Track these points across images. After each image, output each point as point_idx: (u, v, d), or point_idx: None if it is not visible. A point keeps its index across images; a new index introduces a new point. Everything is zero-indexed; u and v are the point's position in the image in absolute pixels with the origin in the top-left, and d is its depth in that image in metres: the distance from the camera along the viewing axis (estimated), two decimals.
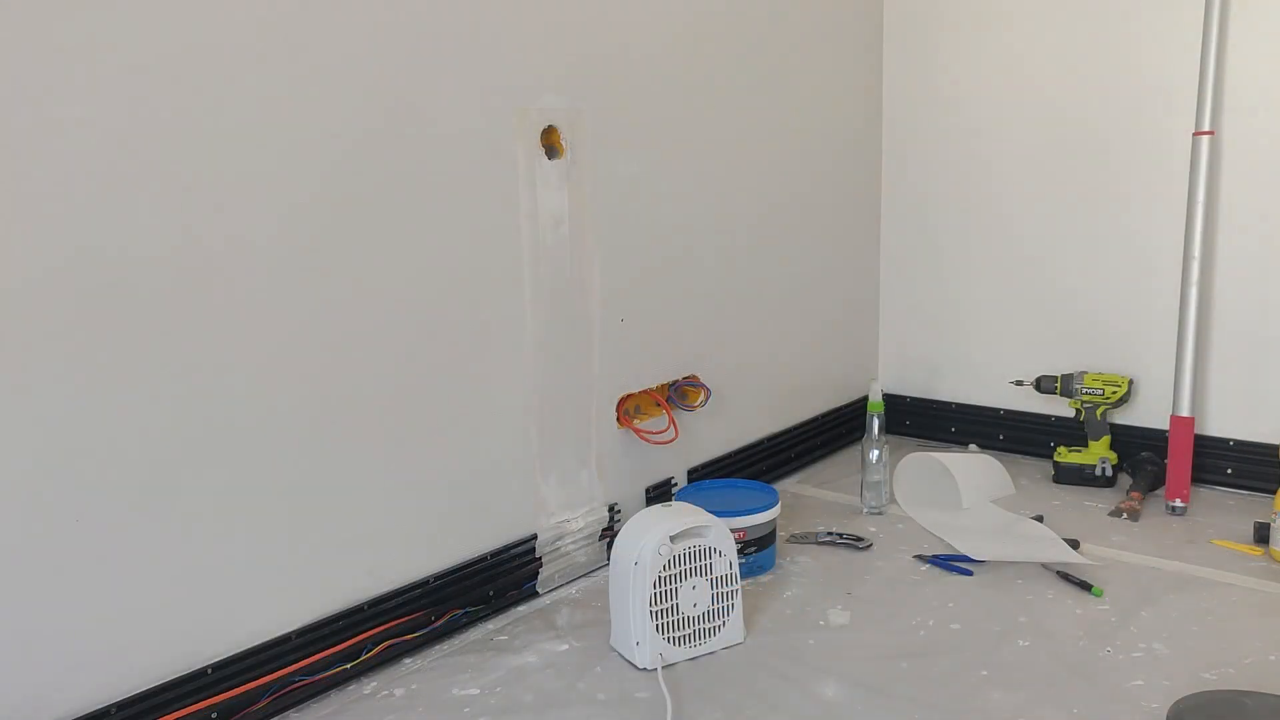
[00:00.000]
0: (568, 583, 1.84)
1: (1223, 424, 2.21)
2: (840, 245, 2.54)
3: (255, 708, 1.39)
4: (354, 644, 1.51)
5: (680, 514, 1.56)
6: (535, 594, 1.79)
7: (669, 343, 2.04)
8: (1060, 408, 2.41)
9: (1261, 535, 1.91)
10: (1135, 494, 2.15)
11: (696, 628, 1.55)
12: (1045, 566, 1.83)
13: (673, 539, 1.51)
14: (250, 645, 1.40)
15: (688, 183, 2.04)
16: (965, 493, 2.15)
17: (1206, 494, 2.20)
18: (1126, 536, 1.98)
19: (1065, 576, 1.78)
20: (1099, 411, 2.28)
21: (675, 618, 1.53)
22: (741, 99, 2.15)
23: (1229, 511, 2.09)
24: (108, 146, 1.20)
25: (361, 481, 1.52)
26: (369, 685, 1.51)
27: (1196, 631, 1.59)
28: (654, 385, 2.01)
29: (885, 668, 1.51)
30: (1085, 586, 1.74)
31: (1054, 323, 2.41)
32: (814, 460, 2.50)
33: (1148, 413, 2.29)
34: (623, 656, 1.56)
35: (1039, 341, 2.44)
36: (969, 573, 1.83)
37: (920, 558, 1.90)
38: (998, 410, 2.53)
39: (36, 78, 1.14)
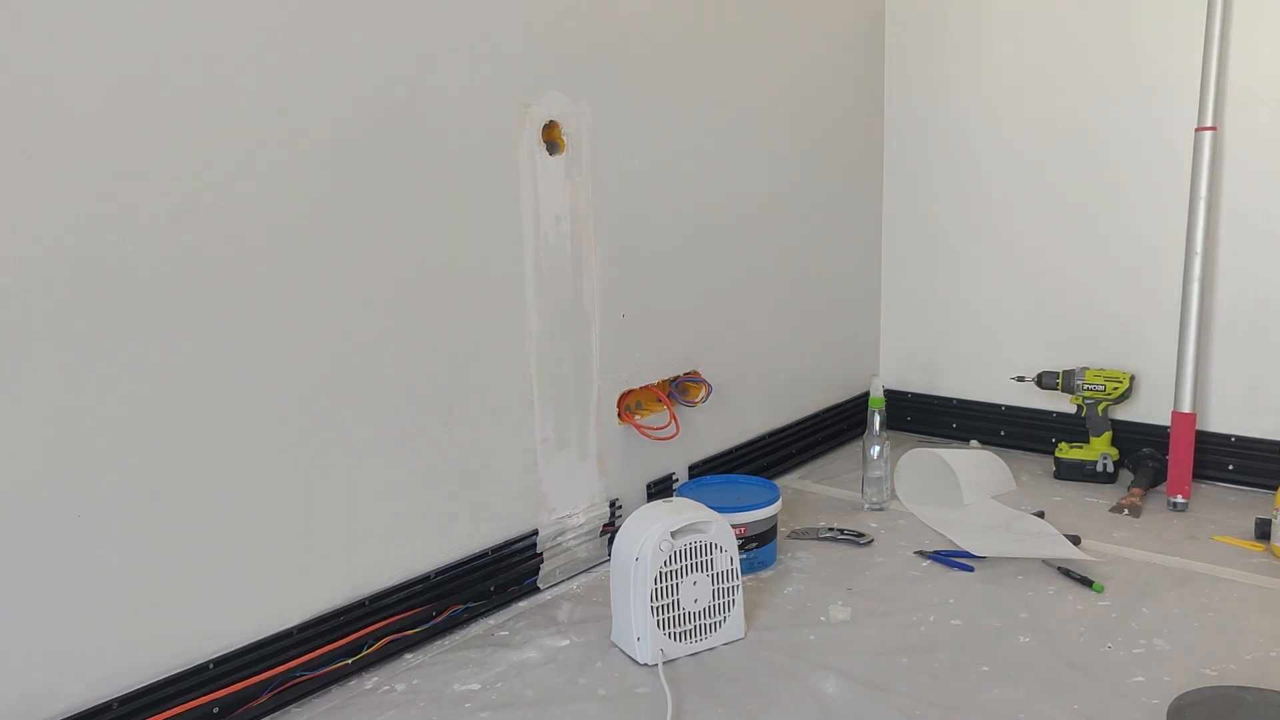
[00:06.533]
0: (569, 578, 1.85)
1: (1224, 420, 2.21)
2: (841, 241, 2.54)
3: (256, 703, 1.40)
4: (355, 639, 1.51)
5: (681, 510, 1.56)
6: (536, 589, 1.79)
7: (670, 338, 2.03)
8: (1062, 403, 2.41)
9: (1263, 531, 1.91)
10: (1136, 490, 2.14)
11: (697, 623, 1.55)
12: (1046, 562, 1.83)
13: (674, 534, 1.51)
14: (251, 640, 1.40)
15: (689, 179, 2.04)
16: (966, 489, 2.15)
17: (1208, 490, 2.19)
18: (1128, 532, 1.98)
19: (1066, 572, 1.78)
20: (1100, 407, 2.28)
21: (676, 613, 1.53)
22: (744, 95, 2.15)
23: (1230, 507, 2.09)
24: (107, 142, 1.20)
25: (363, 476, 1.52)
26: (370, 680, 1.51)
27: (1197, 627, 1.60)
28: (655, 381, 2.01)
29: (886, 663, 1.51)
30: (1086, 582, 1.74)
31: (1056, 318, 2.41)
32: (815, 456, 2.50)
33: (1149, 409, 2.29)
34: (624, 652, 1.56)
35: (1040, 337, 2.44)
36: (970, 569, 1.83)
37: (921, 554, 1.90)
38: (999, 406, 2.53)
39: (36, 74, 1.14)
